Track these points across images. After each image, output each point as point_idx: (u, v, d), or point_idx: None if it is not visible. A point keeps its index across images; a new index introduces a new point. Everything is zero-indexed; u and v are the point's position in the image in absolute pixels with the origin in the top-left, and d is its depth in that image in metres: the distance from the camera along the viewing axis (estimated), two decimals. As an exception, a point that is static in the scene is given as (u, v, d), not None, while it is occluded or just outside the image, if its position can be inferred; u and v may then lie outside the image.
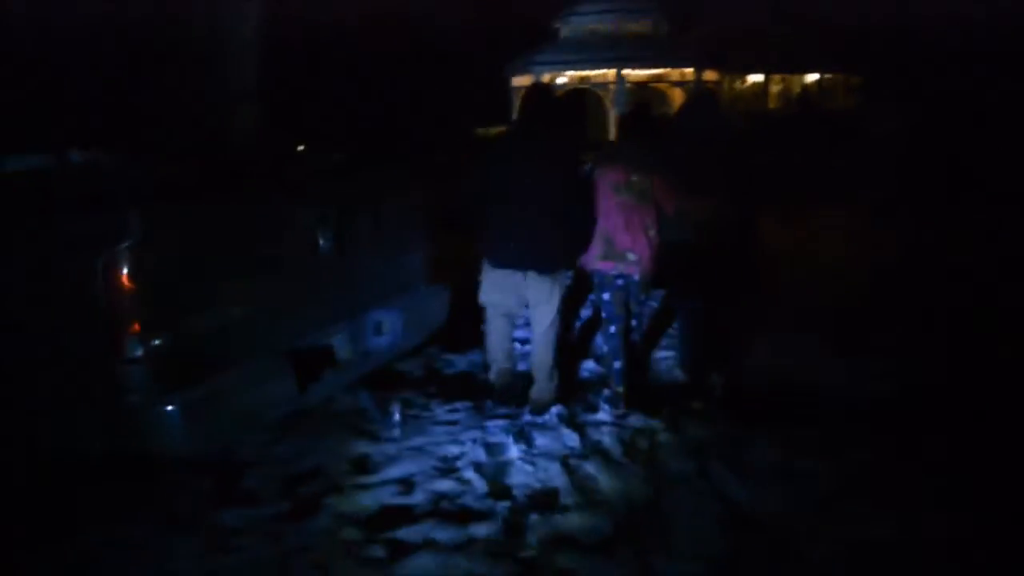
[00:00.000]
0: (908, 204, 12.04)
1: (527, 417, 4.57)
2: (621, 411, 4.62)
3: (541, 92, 4.59)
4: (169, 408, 2.82)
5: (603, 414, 4.61)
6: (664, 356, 5.56)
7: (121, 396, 2.83)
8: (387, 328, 3.99)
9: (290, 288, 3.44)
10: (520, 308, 4.67)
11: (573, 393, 4.92)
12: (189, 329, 2.94)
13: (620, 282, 4.69)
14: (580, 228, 4.50)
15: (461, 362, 5.54)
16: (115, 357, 2.79)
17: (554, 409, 4.61)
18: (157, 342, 2.83)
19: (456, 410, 4.71)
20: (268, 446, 4.16)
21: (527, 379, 4.76)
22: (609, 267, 4.64)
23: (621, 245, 4.57)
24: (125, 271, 2.77)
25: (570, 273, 4.68)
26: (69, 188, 3.77)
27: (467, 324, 5.99)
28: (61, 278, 2.92)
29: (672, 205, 4.56)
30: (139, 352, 2.78)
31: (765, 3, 27.68)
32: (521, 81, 11.69)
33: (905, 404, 4.68)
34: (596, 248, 4.61)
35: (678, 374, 5.30)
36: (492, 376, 4.84)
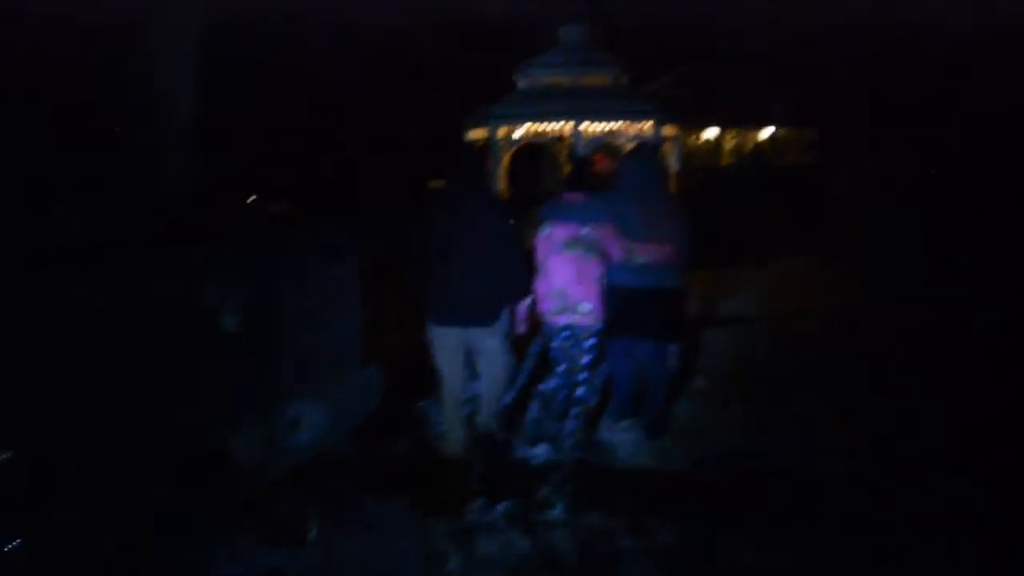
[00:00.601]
0: (853, 259, 11.96)
1: (472, 515, 4.02)
2: (570, 431, 4.89)
3: (474, 155, 4.99)
4: (8, 547, 2.21)
5: (558, 511, 4.08)
6: (625, 440, 5.05)
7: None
8: (307, 422, 3.41)
9: (181, 381, 2.85)
10: (465, 364, 4.71)
11: (524, 483, 4.38)
12: (38, 443, 2.34)
13: (566, 333, 4.90)
14: (518, 279, 4.64)
15: (399, 444, 4.96)
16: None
17: (500, 507, 4.07)
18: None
19: (390, 506, 4.12)
20: (164, 556, 3.52)
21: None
22: (564, 320, 4.84)
23: (575, 298, 4.76)
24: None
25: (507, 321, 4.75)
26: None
27: (407, 398, 5.48)
28: None
29: (621, 252, 4.76)
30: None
31: (720, 58, 28.02)
32: (477, 134, 11.30)
33: (908, 485, 4.24)
34: (552, 303, 4.81)
35: (642, 460, 4.80)
36: (447, 445, 4.80)
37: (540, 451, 4.89)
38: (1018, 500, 4.01)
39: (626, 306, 4.80)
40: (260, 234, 3.60)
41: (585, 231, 4.71)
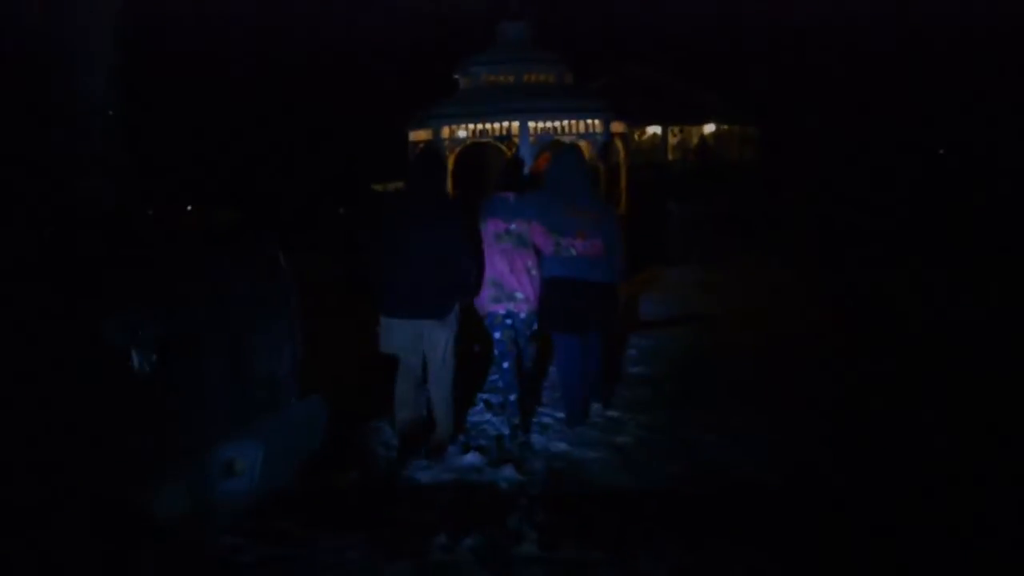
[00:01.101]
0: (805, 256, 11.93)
1: (436, 553, 3.62)
2: (521, 439, 4.98)
3: (430, 155, 5.19)
4: None
5: (528, 544, 3.70)
6: (595, 458, 4.70)
7: None
8: (241, 467, 2.97)
9: (89, 431, 2.40)
10: (419, 352, 4.83)
11: (491, 512, 4.00)
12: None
13: (508, 321, 5.12)
14: (468, 276, 4.86)
15: (350, 476, 4.52)
16: None
17: (467, 541, 3.68)
18: None
19: (347, 545, 3.68)
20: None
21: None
22: (500, 308, 5.10)
23: (509, 287, 5.06)
24: None
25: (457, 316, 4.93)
26: None
27: (356, 425, 5.08)
28: None
29: (550, 247, 5.06)
30: None
31: (663, 55, 28.05)
32: (419, 135, 10.88)
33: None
34: (488, 292, 5.06)
35: (615, 478, 4.45)
36: (398, 424, 4.90)
37: (505, 473, 4.52)
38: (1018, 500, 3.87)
39: (560, 295, 5.07)
40: (178, 254, 3.14)
41: (513, 226, 5.05)
